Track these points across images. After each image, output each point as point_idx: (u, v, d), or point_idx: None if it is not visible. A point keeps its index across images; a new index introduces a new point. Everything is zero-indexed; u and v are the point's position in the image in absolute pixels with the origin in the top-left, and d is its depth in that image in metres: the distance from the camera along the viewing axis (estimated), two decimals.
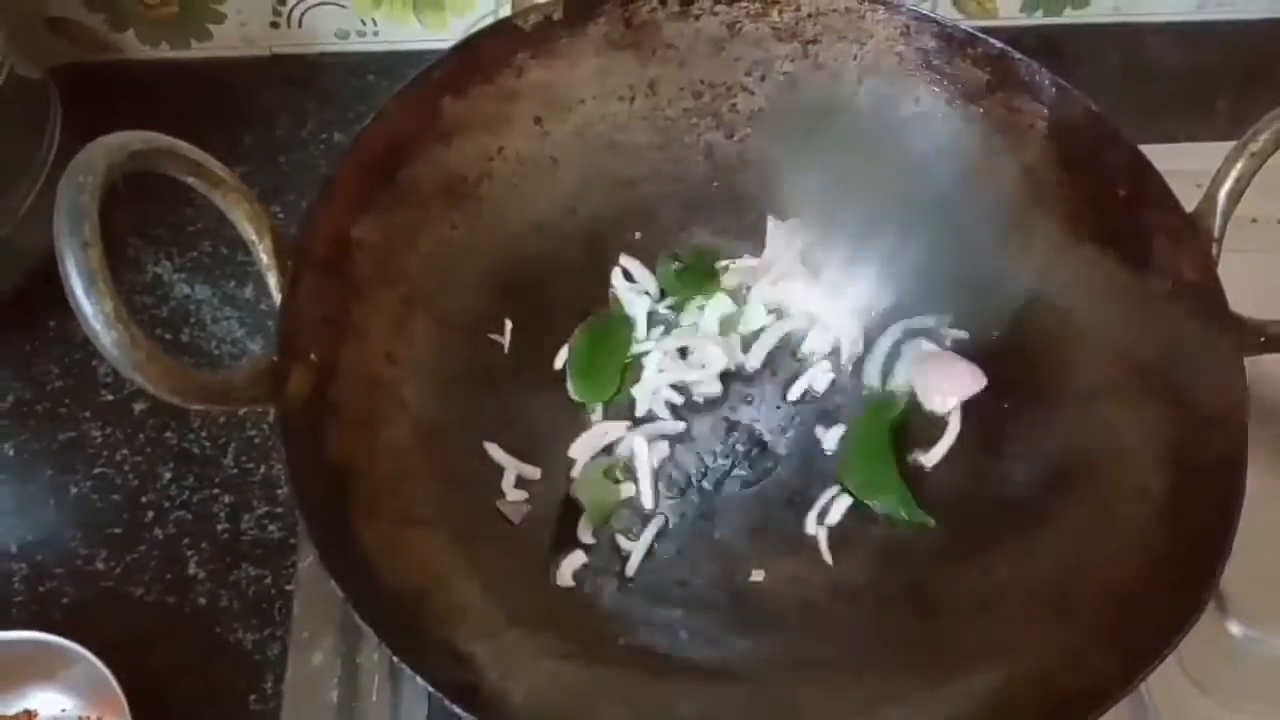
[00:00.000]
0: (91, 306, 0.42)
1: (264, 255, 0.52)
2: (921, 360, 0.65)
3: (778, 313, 0.67)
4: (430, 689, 0.44)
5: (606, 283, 0.68)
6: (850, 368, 0.66)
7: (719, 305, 0.67)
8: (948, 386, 0.64)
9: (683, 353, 0.66)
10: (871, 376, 0.66)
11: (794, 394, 0.66)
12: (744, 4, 0.64)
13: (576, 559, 0.59)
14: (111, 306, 0.42)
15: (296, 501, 0.47)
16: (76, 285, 0.42)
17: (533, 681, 0.48)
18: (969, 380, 0.63)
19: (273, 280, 0.52)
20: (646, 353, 0.66)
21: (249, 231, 0.51)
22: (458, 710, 0.44)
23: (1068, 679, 0.47)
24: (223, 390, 0.47)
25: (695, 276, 0.68)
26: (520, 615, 0.52)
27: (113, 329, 0.42)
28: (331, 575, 0.45)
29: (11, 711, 0.58)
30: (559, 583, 0.57)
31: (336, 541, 0.48)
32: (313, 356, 0.52)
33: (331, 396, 0.52)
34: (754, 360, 0.66)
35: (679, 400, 0.65)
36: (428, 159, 0.60)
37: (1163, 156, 0.58)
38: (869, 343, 0.66)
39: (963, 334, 0.65)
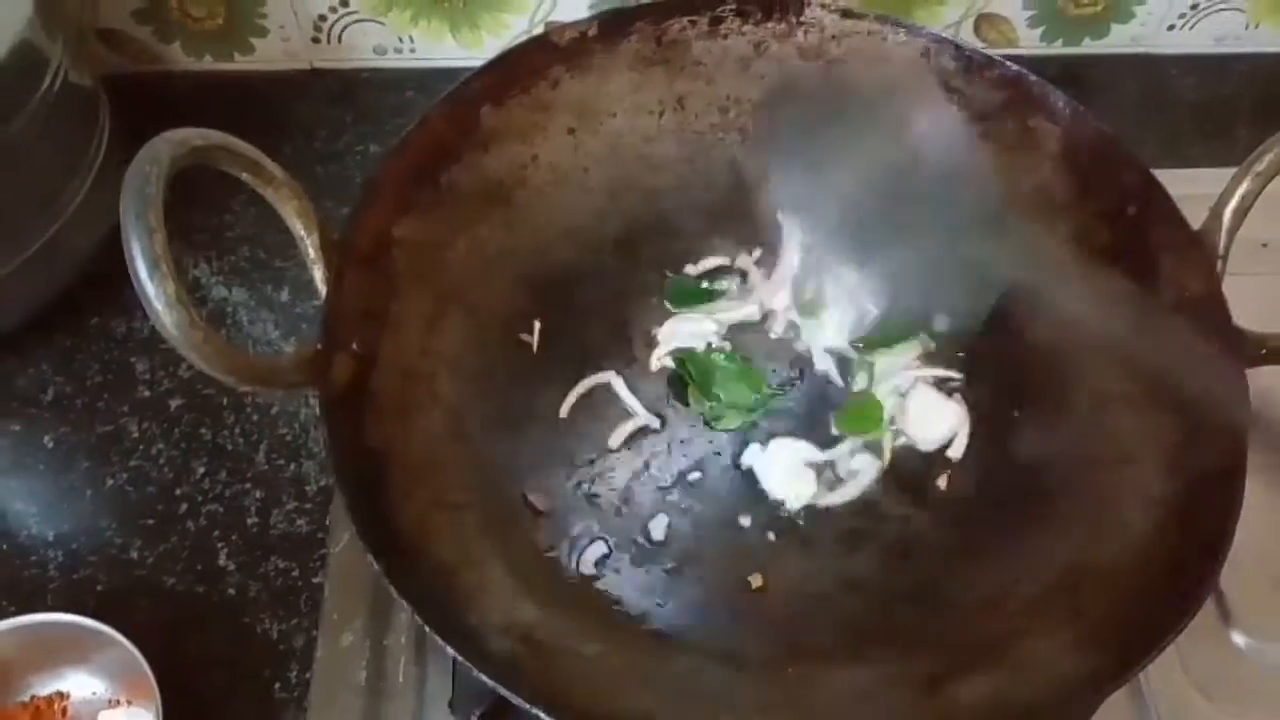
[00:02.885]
0: (155, 288, 0.45)
1: (311, 250, 0.54)
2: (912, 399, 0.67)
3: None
4: (457, 657, 0.45)
5: (634, 288, 0.70)
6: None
7: None
8: (933, 427, 0.66)
9: None
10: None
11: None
12: (771, 24, 0.66)
13: (598, 549, 0.60)
14: (173, 289, 0.45)
15: (336, 479, 0.49)
16: (141, 268, 0.45)
17: (554, 659, 0.50)
18: (954, 422, 0.65)
19: (318, 274, 0.54)
20: None
21: (298, 227, 0.54)
22: (484, 678, 0.45)
23: (1067, 672, 0.49)
24: (270, 372, 0.50)
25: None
26: (544, 598, 0.53)
27: (174, 310, 0.45)
28: (368, 549, 0.47)
29: (45, 692, 0.59)
30: (581, 570, 0.59)
31: (373, 519, 0.50)
32: (354, 346, 0.54)
33: (371, 385, 0.55)
34: None
35: None
36: (466, 165, 0.62)
37: (1177, 181, 0.60)
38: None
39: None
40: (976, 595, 0.56)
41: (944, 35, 0.65)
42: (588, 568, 0.60)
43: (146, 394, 0.73)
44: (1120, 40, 0.93)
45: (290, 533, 0.67)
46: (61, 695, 0.59)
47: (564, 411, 0.65)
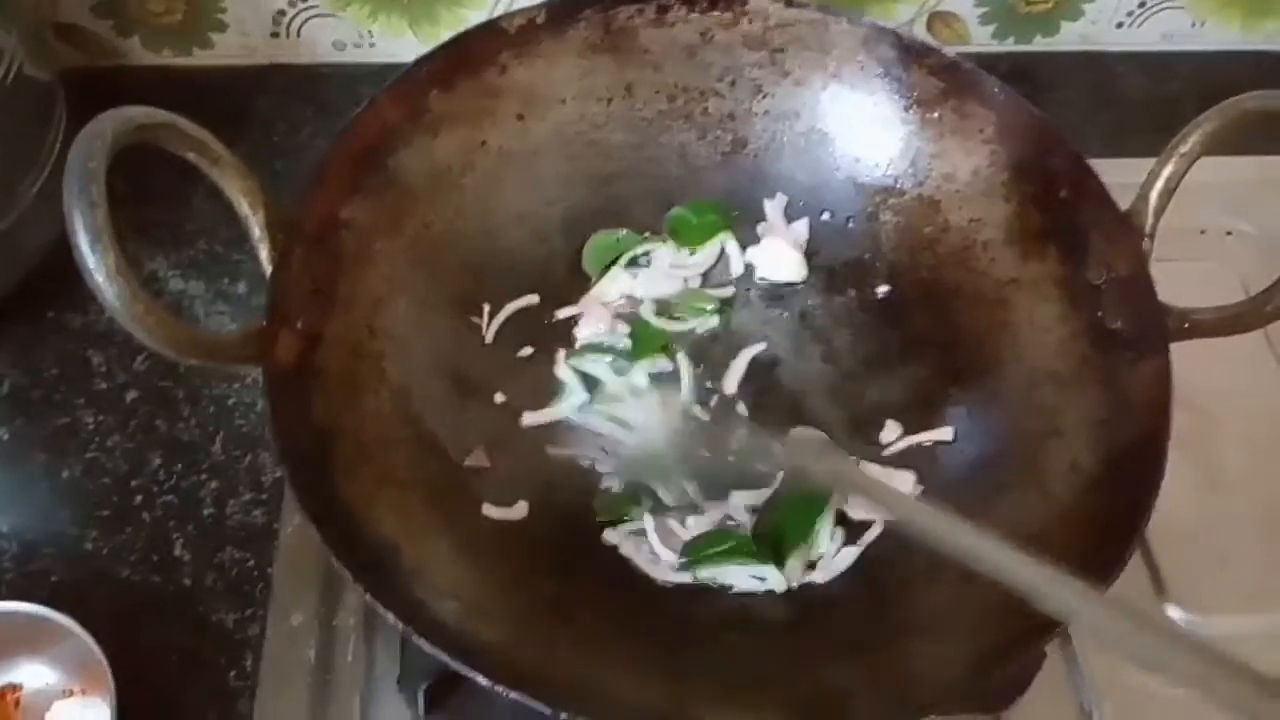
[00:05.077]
0: (95, 260, 0.45)
1: (256, 228, 0.55)
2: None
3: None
4: (400, 624, 0.46)
5: (582, 273, 0.70)
6: None
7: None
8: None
9: None
10: None
11: None
12: (716, 13, 0.68)
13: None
14: (114, 260, 0.45)
15: (281, 455, 0.50)
16: (82, 240, 0.45)
17: (501, 629, 0.51)
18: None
19: (264, 252, 0.55)
20: None
21: (243, 205, 0.54)
22: (426, 645, 0.46)
23: (1000, 632, 0.50)
24: (214, 347, 0.50)
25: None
26: (489, 571, 0.54)
27: (114, 282, 0.46)
28: (312, 522, 0.48)
29: None
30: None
31: (317, 493, 0.50)
32: (299, 324, 0.55)
33: (317, 362, 0.55)
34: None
35: None
36: (415, 149, 0.63)
37: (1118, 170, 0.62)
38: None
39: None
40: (913, 569, 0.57)
41: (884, 24, 0.66)
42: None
43: (103, 386, 0.73)
44: (1070, 38, 0.95)
45: (246, 523, 0.67)
46: (14, 687, 0.59)
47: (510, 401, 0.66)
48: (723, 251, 0.71)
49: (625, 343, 0.66)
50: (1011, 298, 0.63)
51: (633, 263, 0.70)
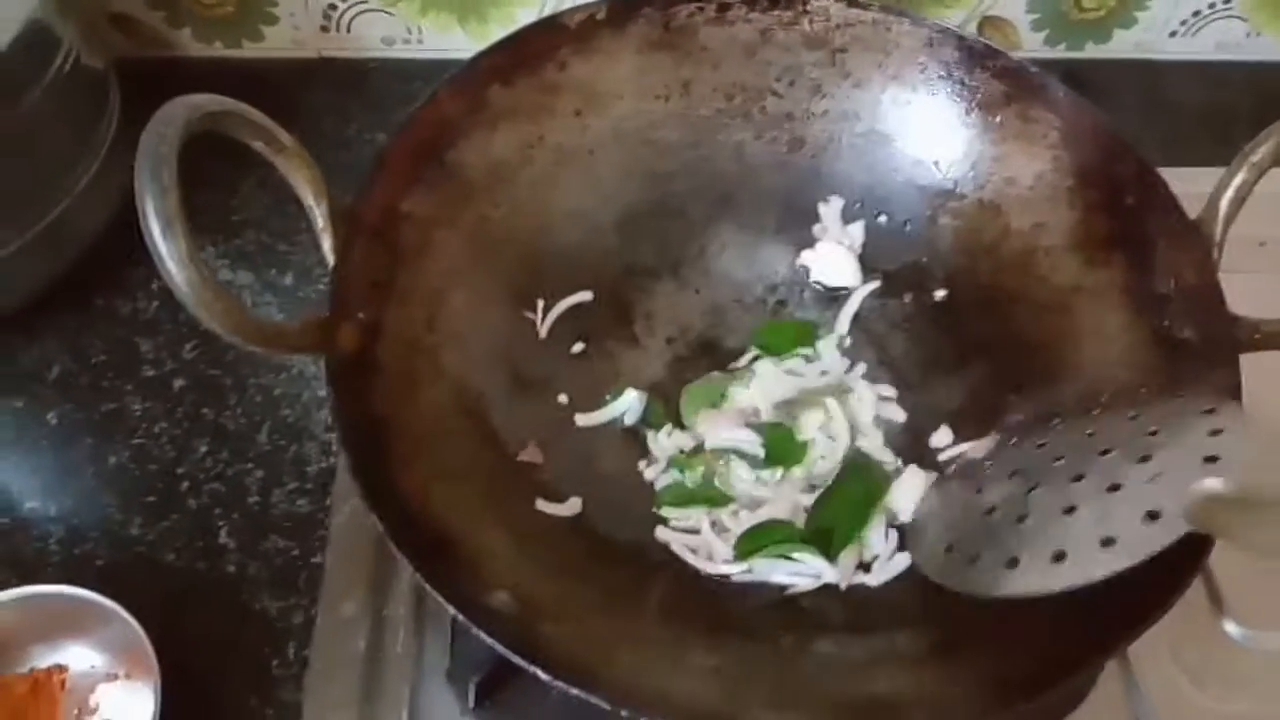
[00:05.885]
0: (167, 246, 0.45)
1: (320, 219, 0.55)
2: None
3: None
4: (457, 615, 0.46)
5: (637, 269, 0.70)
6: None
7: None
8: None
9: None
10: None
11: None
12: (777, 12, 0.67)
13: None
14: (185, 247, 0.46)
15: (342, 441, 0.50)
16: (154, 226, 0.45)
17: (558, 624, 0.50)
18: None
19: (327, 243, 0.55)
20: None
21: (307, 195, 0.54)
22: (482, 635, 0.46)
23: (1054, 649, 0.49)
24: (277, 335, 0.50)
25: None
26: (545, 564, 0.54)
27: (185, 268, 0.46)
28: (373, 510, 0.48)
29: (44, 665, 0.59)
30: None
31: (378, 482, 0.50)
32: (360, 316, 0.55)
33: (377, 354, 0.55)
34: None
35: None
36: (474, 143, 0.63)
37: (1178, 179, 0.61)
38: None
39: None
40: None
41: (947, 25, 0.66)
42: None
43: (150, 373, 0.73)
44: (1123, 45, 0.94)
45: (291, 512, 0.68)
46: (60, 668, 0.59)
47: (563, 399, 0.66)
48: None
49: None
50: (1075, 305, 0.62)
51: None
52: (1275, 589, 0.65)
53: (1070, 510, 0.49)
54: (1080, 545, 0.48)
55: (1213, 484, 0.45)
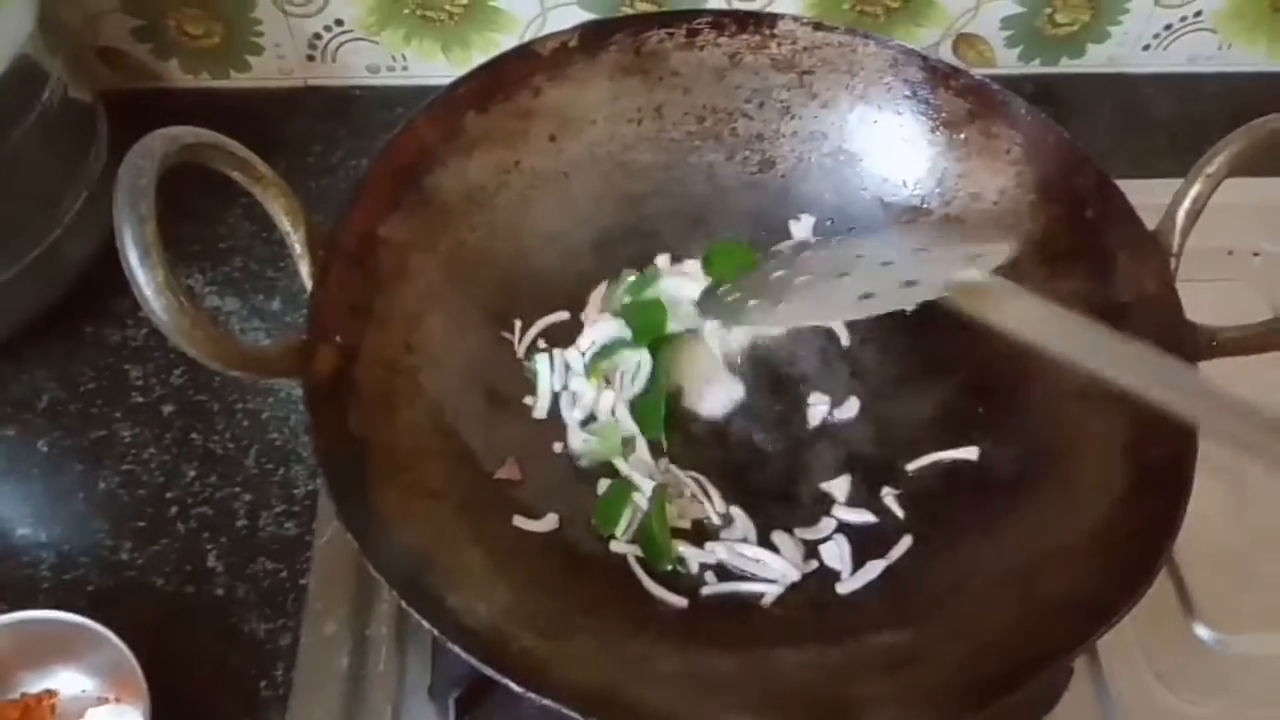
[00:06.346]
0: (145, 275, 0.46)
1: (298, 245, 0.56)
2: None
3: None
4: (434, 632, 0.47)
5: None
6: None
7: None
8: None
9: None
10: None
11: None
12: (745, 36, 0.69)
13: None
14: (163, 276, 0.47)
15: (320, 462, 0.51)
16: (132, 255, 0.46)
17: (533, 637, 0.51)
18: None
19: (305, 269, 0.56)
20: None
21: (285, 223, 0.56)
22: (458, 651, 0.47)
23: (1025, 648, 0.50)
24: (257, 360, 0.51)
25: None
26: (521, 580, 0.55)
27: (163, 295, 0.47)
28: (348, 530, 0.49)
29: (34, 690, 0.59)
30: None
31: (355, 501, 0.51)
32: (338, 339, 0.56)
33: (354, 376, 0.56)
34: None
35: None
36: (450, 168, 0.64)
37: (1145, 191, 0.63)
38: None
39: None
40: (940, 582, 0.57)
41: (910, 46, 0.67)
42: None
43: (139, 400, 0.74)
44: (1097, 60, 0.95)
45: (278, 535, 0.68)
46: (50, 693, 0.60)
47: (540, 413, 0.67)
48: None
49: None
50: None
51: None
52: (1245, 593, 0.66)
53: (842, 275, 0.58)
54: (841, 298, 0.56)
55: (969, 271, 0.53)
